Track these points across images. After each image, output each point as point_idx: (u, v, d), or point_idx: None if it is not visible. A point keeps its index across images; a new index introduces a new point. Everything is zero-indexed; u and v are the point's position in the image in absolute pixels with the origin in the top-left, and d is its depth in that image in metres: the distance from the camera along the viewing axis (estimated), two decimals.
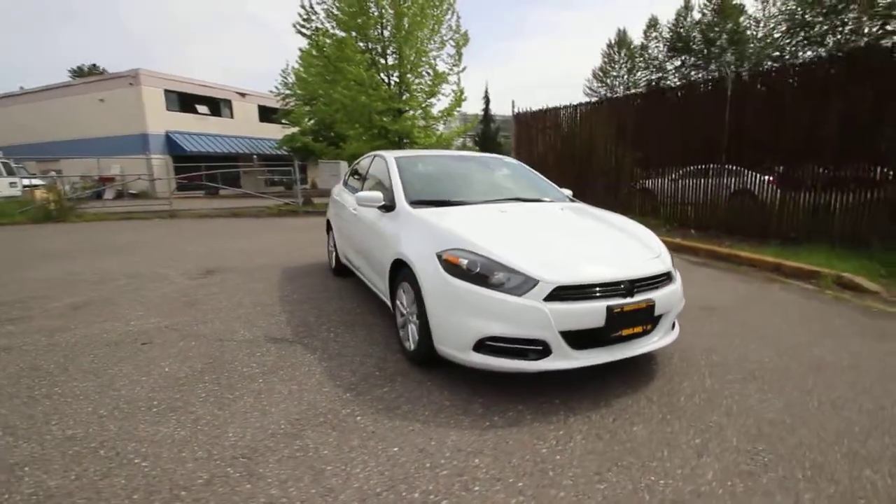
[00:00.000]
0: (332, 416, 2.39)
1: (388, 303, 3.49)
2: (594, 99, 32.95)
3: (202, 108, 27.35)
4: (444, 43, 15.73)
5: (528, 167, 4.59)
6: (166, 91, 25.56)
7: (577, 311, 2.34)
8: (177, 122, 25.78)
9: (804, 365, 3.00)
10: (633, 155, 9.68)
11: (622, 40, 40.95)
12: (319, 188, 14.82)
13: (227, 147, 27.34)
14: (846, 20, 30.21)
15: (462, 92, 16.15)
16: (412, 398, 2.56)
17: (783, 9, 32.72)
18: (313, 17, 15.15)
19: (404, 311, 3.05)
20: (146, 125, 24.51)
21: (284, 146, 25.68)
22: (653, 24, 38.66)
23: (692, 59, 37.17)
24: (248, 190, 18.90)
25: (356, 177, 4.96)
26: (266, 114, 30.62)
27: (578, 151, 10.58)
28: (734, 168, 7.87)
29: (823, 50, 31.37)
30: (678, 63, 38.25)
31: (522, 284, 2.36)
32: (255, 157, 21.49)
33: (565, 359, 2.37)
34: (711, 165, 8.17)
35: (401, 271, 3.06)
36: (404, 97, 15.54)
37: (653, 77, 39.30)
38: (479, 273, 2.45)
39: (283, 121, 26.55)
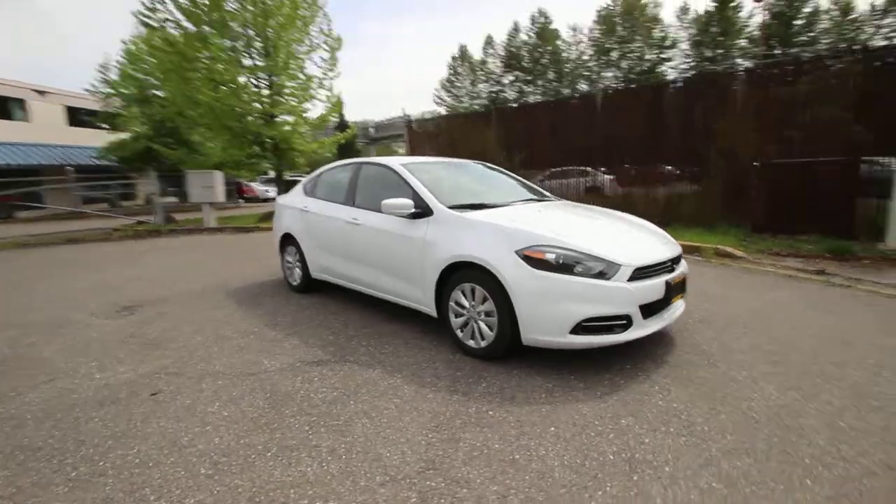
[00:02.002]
0: (466, 417, 2.43)
1: (423, 308, 3.53)
2: (479, 108, 35.47)
3: None
4: (313, 47, 15.18)
5: (498, 168, 4.99)
6: None
7: (648, 287, 2.82)
8: None
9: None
10: (518, 157, 10.94)
11: (464, 55, 44.43)
12: (192, 201, 12.91)
13: (23, 158, 21.71)
14: (633, 49, 37.89)
15: (339, 98, 15.80)
16: (516, 387, 2.73)
17: (590, 36, 39.42)
18: (159, 6, 13.16)
19: (464, 312, 3.17)
20: None
21: (109, 155, 21.49)
22: (489, 41, 42.90)
23: (523, 74, 42.31)
24: (60, 208, 15.41)
25: (330, 187, 4.73)
26: (77, 116, 25.16)
27: (470, 155, 11.46)
28: (587, 169, 9.93)
29: (620, 72, 38.95)
30: (512, 78, 43.14)
31: (607, 270, 2.74)
32: (69, 168, 17.38)
33: (642, 328, 2.83)
34: (572, 167, 10.09)
35: (457, 273, 3.17)
36: (277, 101, 14.57)
37: (493, 90, 43.58)
38: (564, 264, 2.76)
39: (104, 125, 22.15)
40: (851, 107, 7.03)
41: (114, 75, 21.00)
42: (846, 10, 32.43)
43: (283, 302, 4.76)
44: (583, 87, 40.84)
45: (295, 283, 5.11)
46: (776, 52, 33.10)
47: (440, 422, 2.39)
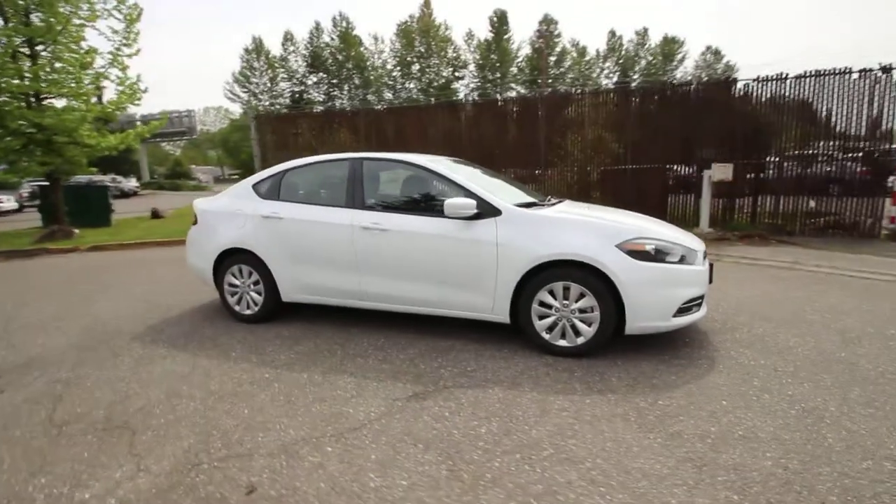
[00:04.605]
0: (648, 411, 2.42)
1: (486, 317, 3.30)
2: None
3: None
4: (97, 13, 11.80)
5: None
6: None
7: (706, 270, 3.28)
8: None
9: None
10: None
11: (259, 48, 40.69)
12: None
13: None
14: (431, 64, 41.10)
15: (138, 81, 12.69)
16: (639, 374, 2.82)
17: (392, 47, 41.05)
18: None
19: (552, 312, 3.10)
20: None
21: None
22: (289, 37, 40.32)
23: (328, 77, 41.30)
24: None
25: (311, 187, 3.86)
26: None
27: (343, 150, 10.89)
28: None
29: (420, 84, 41.71)
30: (316, 79, 41.64)
31: (690, 255, 3.09)
32: None
33: (704, 307, 3.28)
34: None
35: (541, 274, 3.07)
36: (53, 79, 10.82)
37: (296, 90, 41.22)
38: (659, 253, 3.00)
39: None
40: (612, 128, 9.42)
41: None
42: (582, 52, 42.18)
43: (252, 337, 3.69)
44: (388, 95, 42.33)
45: (249, 312, 4.01)
46: (539, 80, 40.75)
47: (636, 423, 2.32)
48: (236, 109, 43.98)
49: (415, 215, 3.46)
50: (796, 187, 8.21)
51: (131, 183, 30.83)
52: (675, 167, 9.41)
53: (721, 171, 7.82)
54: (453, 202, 3.16)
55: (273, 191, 3.97)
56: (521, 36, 42.14)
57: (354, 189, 3.66)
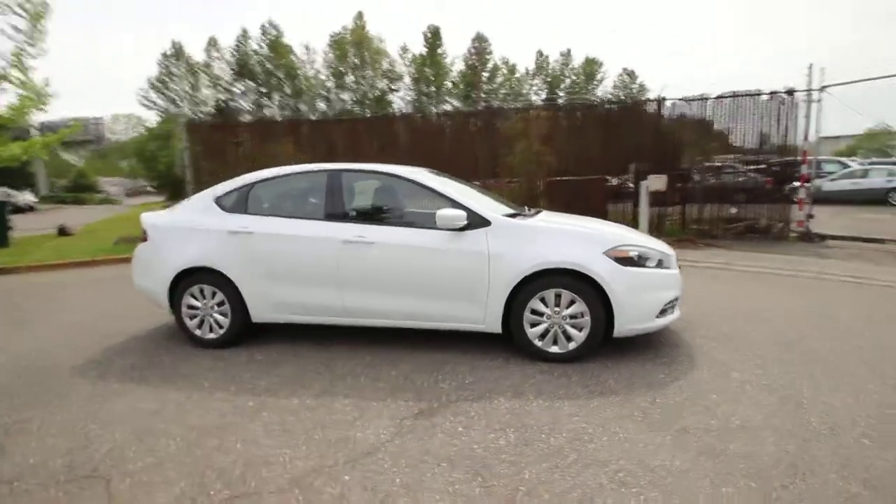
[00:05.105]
0: (663, 407, 2.52)
1: (477, 327, 3.29)
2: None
3: None
4: None
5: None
6: None
7: (679, 274, 3.51)
8: None
9: None
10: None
11: (179, 53, 38.10)
12: None
13: None
14: (366, 76, 40.84)
15: (46, 86, 11.41)
16: (634, 373, 2.94)
17: (325, 58, 40.22)
18: None
19: (543, 320, 3.15)
20: None
21: None
22: (213, 43, 38.16)
23: (256, 86, 39.51)
24: None
25: (283, 200, 3.63)
26: None
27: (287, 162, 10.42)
28: None
29: (356, 96, 41.24)
30: (244, 87, 39.68)
31: (666, 260, 3.29)
32: None
33: (678, 308, 3.49)
34: None
35: (533, 283, 3.12)
36: None
37: (221, 97, 38.99)
38: (641, 259, 3.16)
39: None
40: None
41: None
42: (512, 70, 44.03)
43: (222, 364, 3.38)
44: (321, 106, 41.33)
45: (213, 336, 3.67)
46: (472, 95, 41.91)
47: (644, 422, 2.41)
48: (152, 117, 40.70)
49: (400, 227, 3.39)
50: (718, 196, 9.12)
51: (27, 197, 27.32)
52: (612, 178, 10.09)
53: (657, 182, 8.47)
54: (445, 213, 3.13)
55: (240, 204, 3.69)
56: (455, 52, 42.64)
57: (334, 201, 3.50)
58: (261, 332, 3.86)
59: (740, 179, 9.31)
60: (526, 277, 3.12)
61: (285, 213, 3.65)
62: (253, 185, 3.74)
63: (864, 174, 14.39)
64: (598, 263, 3.05)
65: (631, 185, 9.65)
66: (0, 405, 2.85)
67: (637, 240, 3.37)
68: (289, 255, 3.49)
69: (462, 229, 3.20)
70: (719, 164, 9.28)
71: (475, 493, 1.90)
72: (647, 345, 3.42)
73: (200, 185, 10.44)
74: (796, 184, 8.67)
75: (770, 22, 74.83)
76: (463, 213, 3.17)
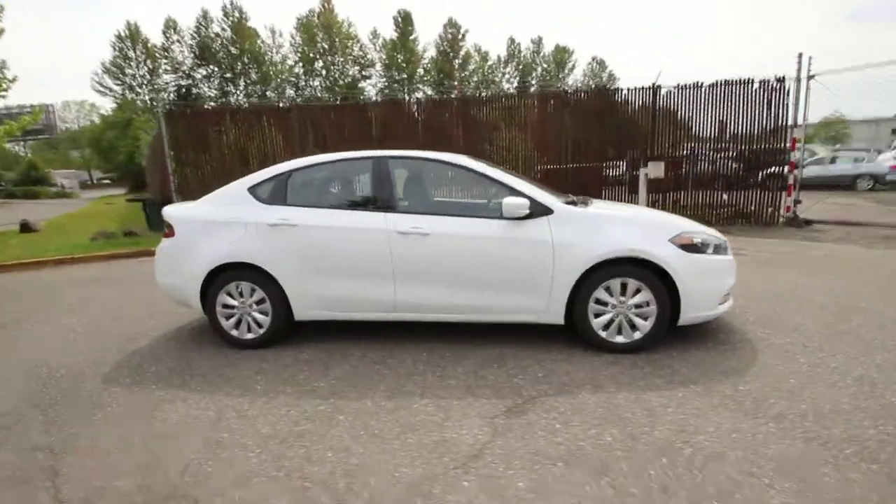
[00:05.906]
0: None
1: (536, 319, 3.21)
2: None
3: None
4: None
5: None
6: None
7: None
8: None
9: None
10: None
11: (134, 35, 35.81)
12: None
13: None
14: (336, 62, 39.67)
15: (4, 67, 10.51)
16: (703, 359, 2.94)
17: (292, 42, 38.77)
18: None
19: (608, 310, 3.10)
20: None
21: None
22: (172, 25, 36.00)
23: (220, 71, 37.72)
24: None
25: (329, 189, 3.41)
26: None
27: (261, 155, 9.92)
28: None
29: (326, 82, 40.05)
30: (206, 73, 37.80)
31: (723, 246, 3.29)
32: None
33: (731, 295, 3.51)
34: None
35: (597, 272, 3.06)
36: None
37: (183, 83, 37.04)
38: (703, 246, 3.15)
39: None
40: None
41: None
42: (484, 57, 43.78)
43: (268, 365, 3.17)
44: (290, 92, 39.96)
45: (251, 336, 3.45)
46: (445, 82, 41.42)
47: (740, 410, 2.40)
48: (107, 104, 38.31)
49: (456, 217, 3.24)
50: (709, 182, 9.35)
51: None
52: (608, 165, 10.18)
53: (656, 169, 8.59)
54: (511, 202, 3.01)
55: (277, 194, 3.45)
56: (426, 38, 42.07)
57: (383, 190, 3.32)
58: (292, 332, 3.65)
59: (734, 166, 9.55)
60: (590, 267, 3.06)
61: (329, 204, 3.44)
62: (290, 173, 3.49)
63: (833, 161, 15.12)
64: (665, 251, 3.02)
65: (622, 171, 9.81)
66: (35, 421, 2.57)
67: (696, 227, 3.35)
68: (337, 249, 3.29)
69: (524, 218, 3.10)
70: (714, 150, 9.47)
71: (608, 495, 1.83)
72: (703, 333, 3.43)
73: (184, 177, 9.92)
74: (773, 169, 9.01)
75: (770, 22, 77.07)
76: (526, 202, 3.06)
